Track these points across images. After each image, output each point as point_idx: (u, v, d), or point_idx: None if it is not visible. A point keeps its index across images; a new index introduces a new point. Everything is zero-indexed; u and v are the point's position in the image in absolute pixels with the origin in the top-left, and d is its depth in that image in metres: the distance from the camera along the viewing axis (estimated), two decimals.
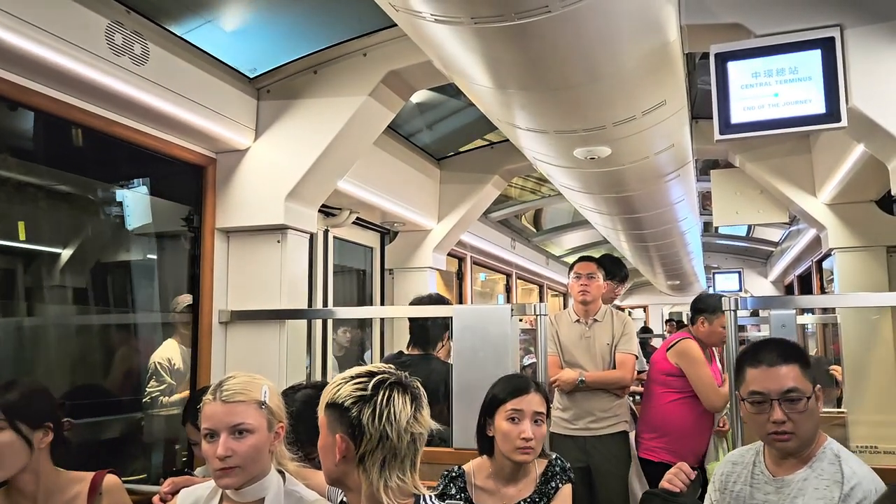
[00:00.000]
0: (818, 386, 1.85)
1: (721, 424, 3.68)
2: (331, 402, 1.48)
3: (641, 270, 8.22)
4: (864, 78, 2.20)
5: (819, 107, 2.20)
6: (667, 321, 12.09)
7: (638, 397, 4.39)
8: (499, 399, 2.23)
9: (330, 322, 4.19)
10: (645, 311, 12.99)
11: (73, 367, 3.37)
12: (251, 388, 1.72)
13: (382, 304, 4.88)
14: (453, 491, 2.23)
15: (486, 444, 2.26)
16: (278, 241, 3.16)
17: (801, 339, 5.00)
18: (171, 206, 3.53)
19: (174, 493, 1.97)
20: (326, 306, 4.11)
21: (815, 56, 2.21)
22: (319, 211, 3.46)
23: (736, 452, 2.07)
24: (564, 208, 7.13)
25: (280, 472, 1.77)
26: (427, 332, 3.33)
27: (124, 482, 2.10)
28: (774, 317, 2.93)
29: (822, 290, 6.42)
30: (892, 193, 2.49)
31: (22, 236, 3.18)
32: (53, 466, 1.97)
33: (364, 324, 4.97)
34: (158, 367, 3.52)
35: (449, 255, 5.32)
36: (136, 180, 3.61)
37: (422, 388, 1.53)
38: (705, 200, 6.12)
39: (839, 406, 4.20)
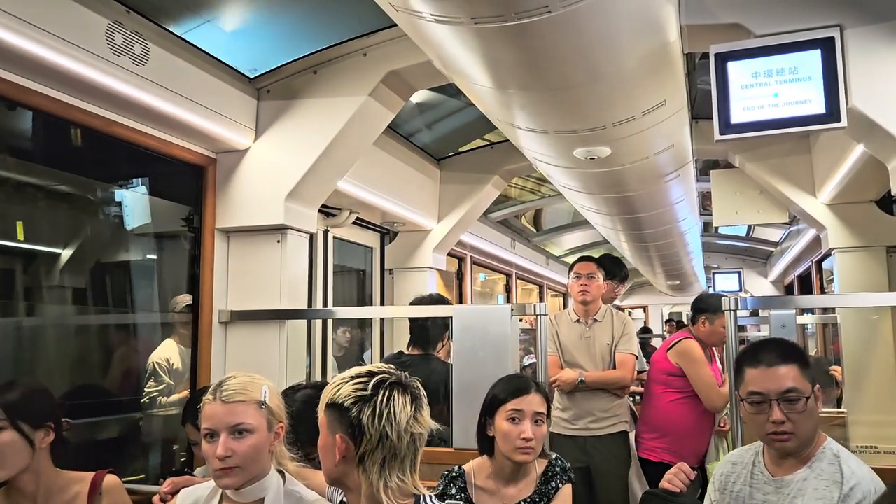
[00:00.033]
0: (817, 386, 1.84)
1: (722, 424, 3.68)
2: (331, 403, 1.48)
3: (641, 270, 8.21)
4: (863, 78, 2.20)
5: (819, 107, 2.20)
6: (666, 321, 12.09)
7: (638, 397, 4.39)
8: (499, 399, 2.24)
9: (330, 322, 4.18)
10: (645, 311, 12.99)
11: (72, 368, 3.37)
12: (251, 388, 1.72)
13: (382, 304, 4.88)
14: (453, 491, 2.23)
15: (486, 445, 2.26)
16: (278, 242, 3.16)
17: (800, 339, 4.99)
18: (171, 206, 3.53)
19: (174, 493, 1.97)
20: (326, 306, 4.10)
21: (815, 56, 2.21)
22: (319, 211, 3.46)
23: (735, 452, 2.07)
24: (564, 208, 7.13)
25: (280, 472, 1.77)
26: (427, 333, 3.33)
27: (124, 482, 2.09)
28: (774, 317, 2.93)
29: (822, 291, 6.41)
30: (892, 193, 2.49)
31: (21, 236, 3.18)
32: (53, 466, 1.97)
33: (364, 324, 4.97)
34: (157, 367, 3.52)
35: (449, 255, 5.32)
36: (135, 180, 3.61)
37: (422, 389, 1.53)
38: (705, 200, 6.12)
39: (839, 406, 4.20)
